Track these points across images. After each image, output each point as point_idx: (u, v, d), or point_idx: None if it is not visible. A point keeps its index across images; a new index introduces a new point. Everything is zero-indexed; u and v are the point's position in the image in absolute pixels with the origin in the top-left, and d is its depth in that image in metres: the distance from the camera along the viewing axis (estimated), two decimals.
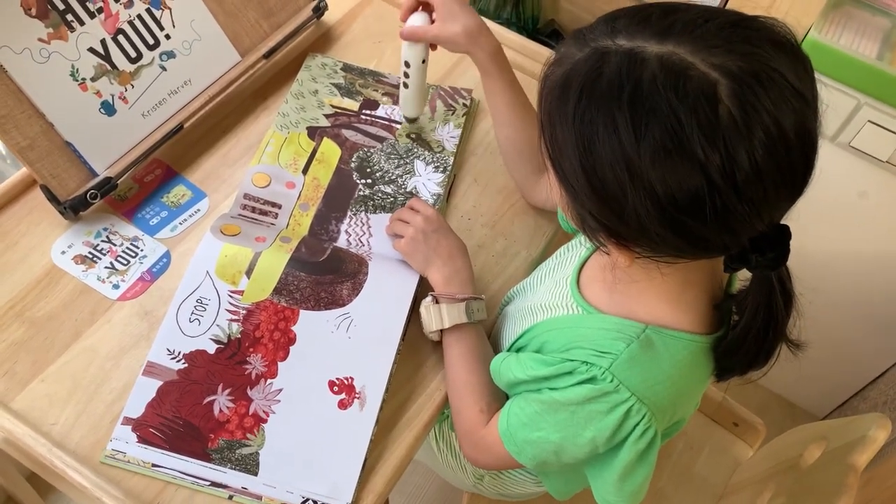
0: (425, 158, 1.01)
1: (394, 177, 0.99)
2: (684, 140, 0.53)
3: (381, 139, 1.03)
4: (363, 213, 0.95)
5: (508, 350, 0.81)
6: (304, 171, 0.97)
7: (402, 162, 1.01)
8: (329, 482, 0.76)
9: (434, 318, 0.82)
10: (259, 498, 0.74)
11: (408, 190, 0.98)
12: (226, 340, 0.81)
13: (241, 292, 0.83)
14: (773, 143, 0.54)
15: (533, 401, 0.71)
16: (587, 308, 0.73)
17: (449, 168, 1.01)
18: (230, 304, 0.82)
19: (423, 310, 0.84)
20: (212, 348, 0.80)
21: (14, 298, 0.83)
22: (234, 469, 0.75)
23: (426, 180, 0.99)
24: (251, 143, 1.00)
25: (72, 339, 0.82)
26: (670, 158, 0.54)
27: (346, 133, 1.02)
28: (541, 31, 1.22)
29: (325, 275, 0.85)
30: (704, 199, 0.54)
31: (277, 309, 0.83)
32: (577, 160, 0.58)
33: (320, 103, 1.04)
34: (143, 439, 0.75)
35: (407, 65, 0.91)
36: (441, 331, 0.83)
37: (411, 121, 1.01)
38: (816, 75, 0.58)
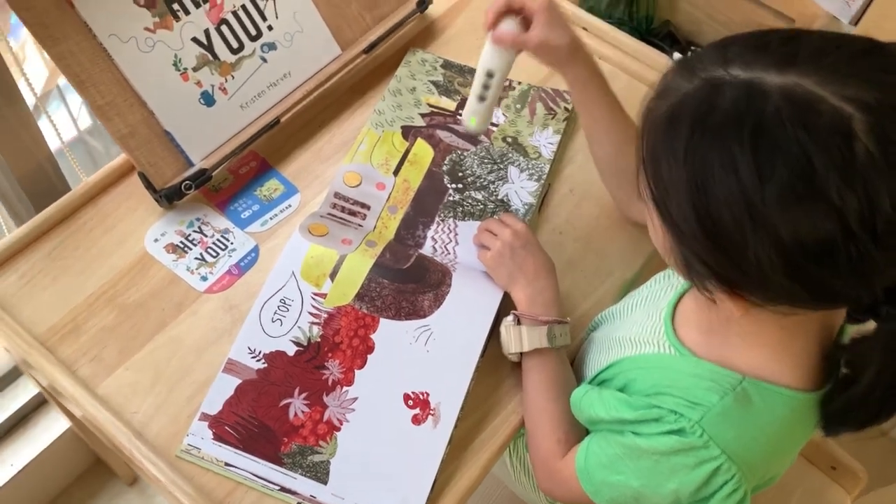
0: (520, 165, 0.98)
1: (485, 182, 0.96)
2: (816, 182, 0.48)
3: (475, 142, 0.99)
4: (451, 219, 0.92)
5: (591, 381, 0.77)
6: (396, 173, 0.95)
7: (495, 167, 0.97)
8: (398, 498, 0.75)
9: (514, 339, 0.79)
10: None
11: (499, 197, 0.95)
12: (306, 343, 0.80)
13: (324, 295, 0.82)
14: None
15: (614, 442, 0.67)
16: (680, 349, 0.68)
17: (544, 177, 0.97)
18: (313, 306, 0.82)
19: (503, 329, 0.81)
20: (291, 350, 0.80)
21: (107, 283, 0.85)
22: (305, 475, 0.75)
23: (519, 188, 0.96)
24: (346, 139, 0.99)
25: (157, 329, 0.83)
26: (800, 202, 0.49)
27: (441, 134, 1.00)
28: (655, 32, 1.15)
29: (407, 283, 0.83)
30: (838, 248, 0.49)
31: (358, 315, 0.81)
32: (687, 201, 0.53)
33: (417, 102, 1.02)
34: (219, 437, 0.76)
35: (489, 74, 0.83)
36: (521, 353, 0.80)
37: (474, 134, 0.94)
38: None
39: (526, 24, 0.82)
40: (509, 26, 0.81)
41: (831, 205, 0.48)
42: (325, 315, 0.81)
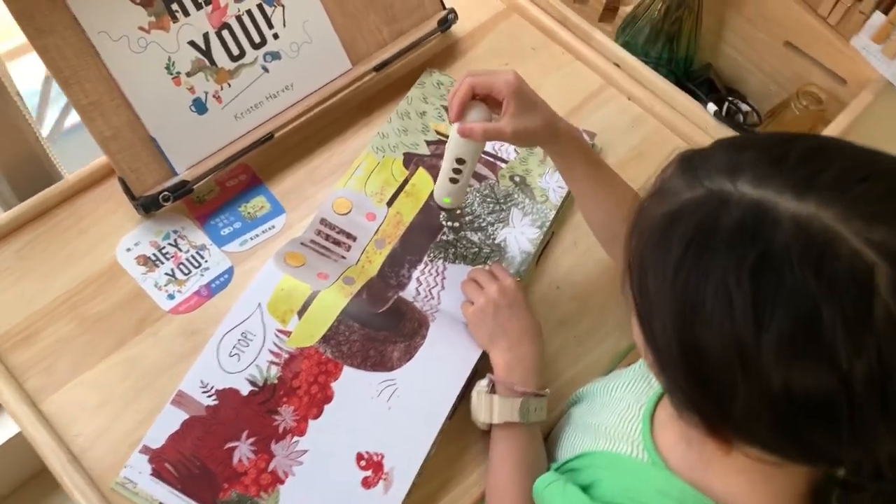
0: (524, 208, 0.91)
1: (484, 223, 0.89)
2: (822, 337, 0.41)
3: (480, 177, 0.93)
4: (441, 260, 0.86)
5: (560, 467, 0.70)
6: (390, 203, 0.89)
7: (497, 207, 0.91)
8: None
9: (484, 408, 0.73)
10: None
11: (496, 241, 0.88)
12: (261, 384, 0.75)
13: (288, 333, 0.77)
14: None
15: None
16: (655, 458, 0.61)
17: (547, 224, 0.90)
18: (275, 344, 0.77)
19: (474, 394, 0.75)
20: (245, 389, 0.75)
21: (72, 290, 0.82)
22: None
23: (519, 234, 0.89)
24: (344, 160, 0.93)
25: (115, 346, 0.79)
26: (800, 357, 0.42)
27: None
28: (694, 75, 1.07)
29: (379, 330, 0.78)
30: (838, 412, 0.42)
31: (321, 360, 0.76)
32: (673, 327, 0.46)
33: (425, 127, 0.96)
34: (157, 473, 0.72)
35: (460, 161, 0.77)
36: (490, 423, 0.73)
37: (447, 210, 0.88)
38: None
39: (493, 104, 0.76)
40: (478, 115, 0.75)
41: (836, 366, 0.41)
42: (287, 356, 0.76)
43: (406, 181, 0.91)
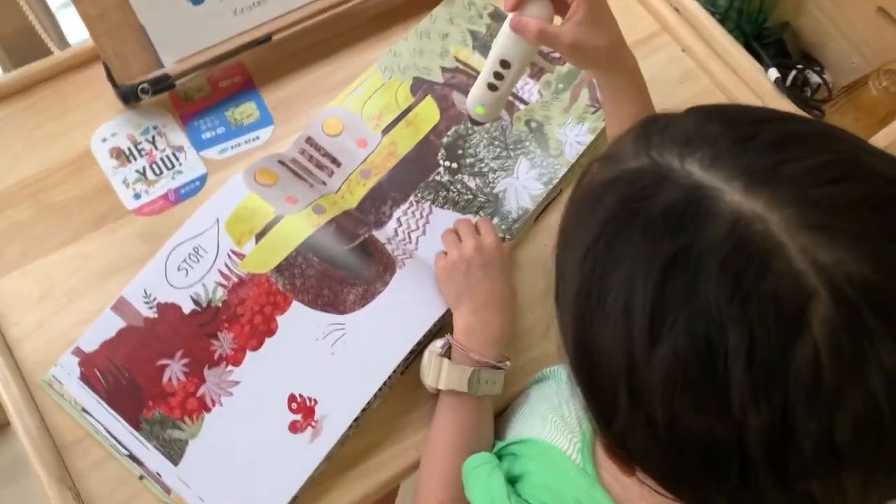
0: (534, 159, 0.82)
1: (486, 169, 0.81)
2: (717, 373, 0.32)
3: None
4: (429, 202, 0.78)
5: (502, 448, 0.64)
6: (385, 131, 0.81)
7: (504, 153, 0.82)
8: None
9: (432, 371, 0.67)
10: (168, 492, 0.66)
11: (494, 191, 0.80)
12: (205, 304, 0.70)
13: (241, 256, 0.72)
14: (874, 419, 0.32)
15: None
16: (587, 464, 0.54)
17: (556, 181, 0.80)
18: (225, 265, 0.71)
19: (425, 354, 0.68)
20: (188, 308, 0.70)
21: (37, 175, 0.78)
22: (158, 449, 0.67)
23: (521, 186, 0.80)
24: (348, 77, 0.85)
25: (70, 239, 0.75)
26: (688, 390, 0.33)
27: (456, 98, 0.84)
28: (765, 34, 0.93)
29: (339, 269, 0.71)
30: (727, 463, 0.34)
31: (271, 290, 0.71)
32: (571, 316, 0.39)
33: (444, 52, 0.87)
34: (85, 378, 0.68)
35: (504, 64, 0.65)
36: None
37: (478, 123, 0.75)
38: None
39: (560, 6, 0.64)
40: (537, 11, 0.63)
41: (727, 413, 0.32)
42: (236, 279, 0.71)
43: (409, 109, 0.83)
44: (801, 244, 0.32)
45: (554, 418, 0.61)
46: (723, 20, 0.91)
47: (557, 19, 0.64)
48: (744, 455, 0.33)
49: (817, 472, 0.33)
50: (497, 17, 0.89)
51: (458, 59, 0.87)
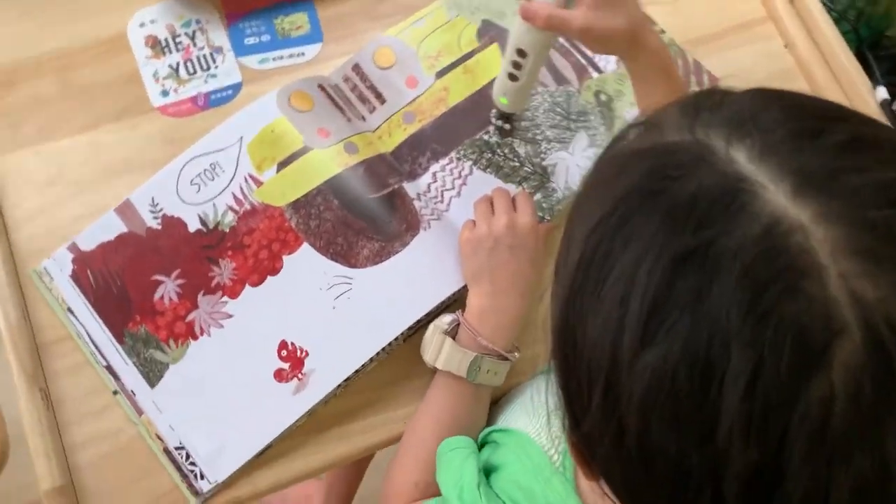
0: (595, 136, 0.74)
1: (540, 137, 0.74)
2: (711, 397, 0.28)
3: (562, 80, 0.76)
4: (470, 163, 0.72)
5: (488, 434, 0.60)
6: (440, 75, 0.74)
7: (563, 122, 0.74)
8: (216, 445, 0.62)
9: (433, 348, 0.62)
10: (140, 413, 0.63)
11: (543, 163, 0.73)
12: (211, 226, 0.66)
13: (259, 183, 0.67)
14: (880, 488, 0.27)
15: None
16: (565, 466, 0.51)
17: None
18: (241, 189, 0.67)
19: (430, 328, 0.63)
20: (193, 226, 0.66)
21: (67, 50, 0.73)
22: (137, 367, 0.64)
23: (574, 164, 0.73)
24: (412, 4, 0.77)
25: (88, 126, 0.71)
26: (670, 406, 0.29)
27: None
28: (883, 44, 0.83)
29: (358, 218, 0.66)
30: (697, 494, 0.30)
31: (283, 226, 0.66)
32: (564, 288, 0.34)
33: None
34: (76, 277, 0.65)
35: (521, 53, 0.60)
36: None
37: (506, 117, 0.71)
38: None
39: None
40: None
41: (710, 440, 0.28)
42: (248, 207, 0.66)
43: (470, 55, 0.75)
44: (843, 269, 0.27)
45: (542, 413, 0.56)
46: (838, 20, 0.80)
47: None
48: (717, 490, 0.28)
49: None
50: None
51: None
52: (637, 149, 0.35)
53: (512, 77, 0.63)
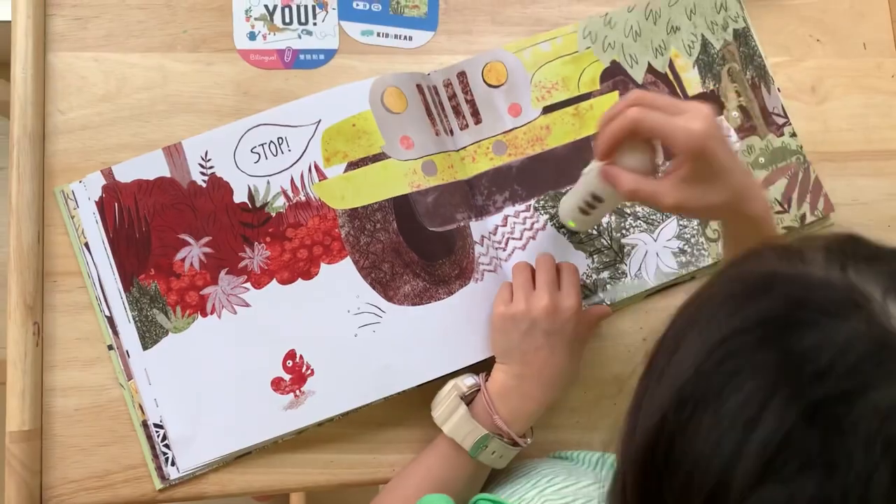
0: (684, 230, 0.67)
1: (628, 212, 0.67)
2: None
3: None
4: (546, 216, 0.65)
5: (479, 500, 0.56)
6: (547, 111, 0.67)
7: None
8: (188, 432, 0.59)
9: (444, 409, 0.58)
10: (129, 377, 0.59)
11: (622, 240, 0.66)
12: (258, 204, 0.60)
13: (323, 176, 0.61)
14: None
15: None
16: None
17: (693, 268, 0.67)
18: (302, 176, 0.61)
19: (448, 386, 0.58)
20: (240, 197, 0.61)
21: None
22: (136, 324, 0.60)
23: (652, 251, 0.67)
24: (544, 20, 0.69)
25: (161, 47, 0.64)
26: None
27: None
28: None
29: (411, 249, 0.60)
30: None
31: (332, 232, 0.60)
32: (666, 399, 0.33)
33: (663, 47, 0.70)
34: (101, 206, 0.60)
35: (596, 198, 0.55)
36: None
37: (571, 231, 0.66)
38: None
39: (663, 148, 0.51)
40: (634, 162, 0.50)
41: None
42: (303, 198, 0.60)
43: (586, 96, 0.68)
44: None
45: (553, 495, 0.52)
46: None
47: None
48: None
49: None
50: (740, 38, 0.71)
51: (672, 65, 0.70)
52: (781, 273, 0.34)
53: (584, 212, 0.58)
